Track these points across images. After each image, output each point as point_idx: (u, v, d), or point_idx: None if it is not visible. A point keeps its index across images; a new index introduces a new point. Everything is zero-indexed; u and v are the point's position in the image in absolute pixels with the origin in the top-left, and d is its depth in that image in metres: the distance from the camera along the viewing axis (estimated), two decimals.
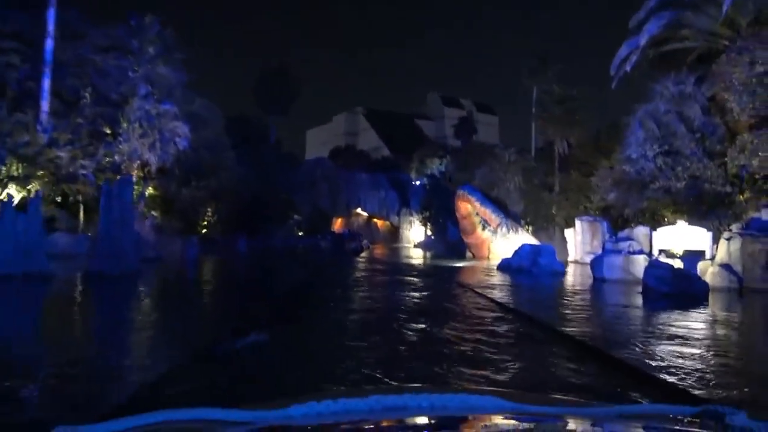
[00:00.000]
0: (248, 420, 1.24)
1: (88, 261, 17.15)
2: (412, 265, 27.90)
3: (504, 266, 22.05)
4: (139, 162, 29.59)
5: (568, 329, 9.21)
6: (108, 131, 27.19)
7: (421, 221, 57.48)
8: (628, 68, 23.64)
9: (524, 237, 30.65)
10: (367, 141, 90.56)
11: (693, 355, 7.27)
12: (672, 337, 8.42)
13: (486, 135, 77.37)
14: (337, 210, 59.10)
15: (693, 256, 18.49)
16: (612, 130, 40.22)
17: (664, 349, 7.57)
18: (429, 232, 54.83)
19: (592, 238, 28.78)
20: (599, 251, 28.65)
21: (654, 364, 6.72)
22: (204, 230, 41.38)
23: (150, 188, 32.06)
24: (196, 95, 30.74)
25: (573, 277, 20.43)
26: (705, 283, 13.58)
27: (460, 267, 25.63)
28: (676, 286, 13.31)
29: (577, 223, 29.38)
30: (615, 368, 6.90)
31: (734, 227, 16.60)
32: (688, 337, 8.50)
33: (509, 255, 29.77)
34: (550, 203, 40.94)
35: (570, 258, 29.04)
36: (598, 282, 17.38)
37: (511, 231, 30.95)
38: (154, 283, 16.40)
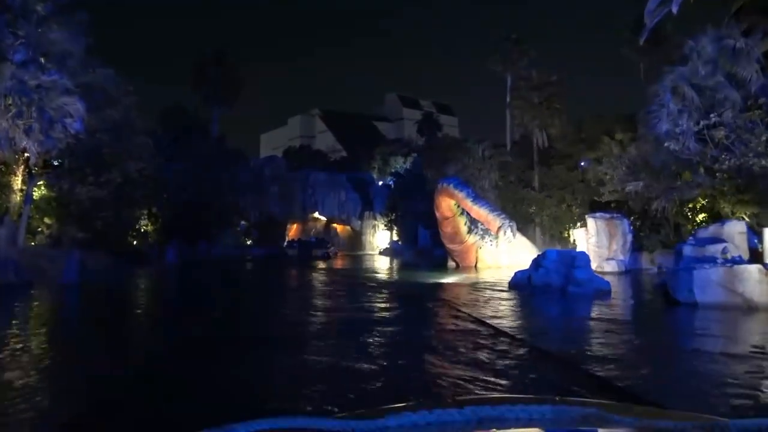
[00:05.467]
0: (346, 429, 1.16)
1: None
2: (384, 285, 21.02)
3: (519, 283, 15.35)
4: (23, 152, 22.37)
5: None
6: None
7: (386, 225, 51.14)
8: (674, 8, 17.62)
9: (522, 242, 24.40)
10: (324, 144, 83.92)
11: None
12: None
13: None
14: (292, 214, 52.03)
15: None
16: (596, 119, 35.14)
17: None
18: (396, 237, 48.55)
19: (610, 240, 22.68)
20: (621, 257, 22.63)
21: None
22: (134, 240, 34.23)
23: (40, 187, 24.68)
24: (98, 65, 23.39)
25: (630, 300, 13.93)
26: None
27: (447, 284, 18.91)
28: None
29: (590, 221, 23.26)
30: None
31: None
32: None
33: (503, 263, 23.71)
34: (530, 201, 35.71)
35: None
36: (688, 308, 11.04)
37: (516, 235, 24.39)
38: None
